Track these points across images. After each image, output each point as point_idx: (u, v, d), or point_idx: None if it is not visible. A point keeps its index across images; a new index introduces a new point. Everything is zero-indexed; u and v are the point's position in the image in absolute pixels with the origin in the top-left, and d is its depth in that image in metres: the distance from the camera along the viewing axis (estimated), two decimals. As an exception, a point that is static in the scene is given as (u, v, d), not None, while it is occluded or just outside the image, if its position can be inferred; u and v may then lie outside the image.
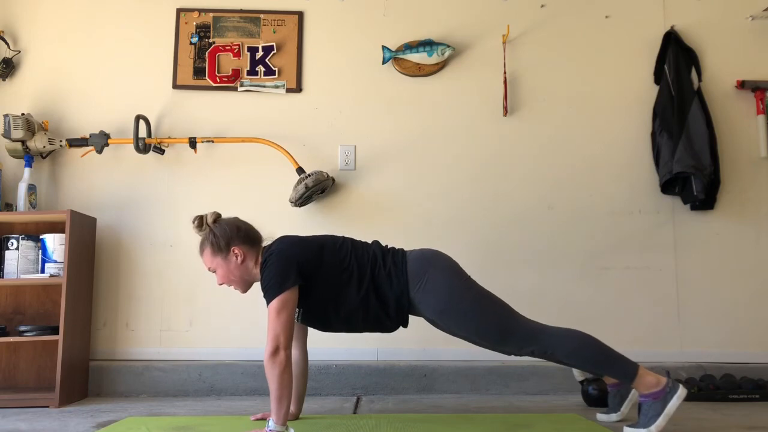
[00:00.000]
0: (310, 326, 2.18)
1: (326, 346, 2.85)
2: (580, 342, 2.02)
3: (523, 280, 3.00)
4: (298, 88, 3.13)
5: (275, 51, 3.13)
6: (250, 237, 2.10)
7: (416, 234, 3.02)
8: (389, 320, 2.07)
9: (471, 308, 2.01)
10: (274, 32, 3.16)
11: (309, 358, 2.36)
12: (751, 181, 3.07)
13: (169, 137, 3.05)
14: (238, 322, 2.96)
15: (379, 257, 2.07)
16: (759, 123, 3.07)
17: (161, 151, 3.03)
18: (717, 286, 3.01)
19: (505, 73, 3.09)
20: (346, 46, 3.16)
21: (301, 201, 2.91)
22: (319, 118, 3.11)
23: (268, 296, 1.94)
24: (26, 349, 2.86)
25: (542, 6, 3.18)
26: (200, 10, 3.17)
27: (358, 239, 2.17)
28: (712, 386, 2.62)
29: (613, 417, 2.22)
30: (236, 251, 2.06)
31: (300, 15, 3.17)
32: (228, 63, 3.13)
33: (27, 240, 2.77)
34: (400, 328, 2.11)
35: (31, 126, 2.95)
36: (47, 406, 2.56)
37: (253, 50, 3.14)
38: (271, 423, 1.88)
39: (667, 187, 3.00)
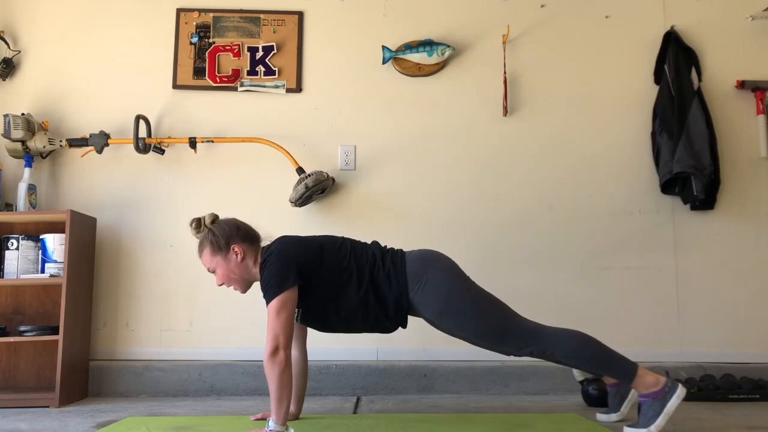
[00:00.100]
0: (310, 326, 2.19)
1: (326, 346, 2.85)
2: (579, 342, 2.02)
3: (523, 280, 3.00)
4: (298, 88, 3.13)
5: (275, 51, 3.13)
6: (249, 236, 2.10)
7: (416, 234, 3.02)
8: (388, 321, 2.07)
9: (470, 309, 2.01)
10: (274, 32, 3.16)
11: (309, 358, 2.37)
12: (751, 181, 3.07)
13: (169, 137, 3.05)
14: (238, 322, 2.96)
15: (378, 258, 2.07)
16: (759, 123, 3.07)
17: (161, 151, 3.03)
18: (717, 286, 3.01)
19: (505, 73, 3.09)
20: (346, 46, 3.16)
21: (301, 201, 2.91)
22: (319, 118, 3.11)
23: (268, 296, 1.94)
24: (26, 349, 2.86)
25: (542, 6, 3.18)
26: (200, 10, 3.17)
27: (357, 240, 2.17)
28: (712, 386, 2.62)
29: (613, 417, 2.22)
30: (236, 249, 2.06)
31: (300, 15, 3.17)
32: (228, 63, 3.14)
33: (27, 240, 2.77)
34: (399, 328, 2.11)
35: (31, 126, 2.95)
36: (47, 406, 2.56)
37: (253, 50, 3.14)
38: (271, 423, 1.88)
39: (667, 187, 3.00)
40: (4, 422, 2.25)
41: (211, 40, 3.15)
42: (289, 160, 2.97)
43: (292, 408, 2.20)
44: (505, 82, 3.08)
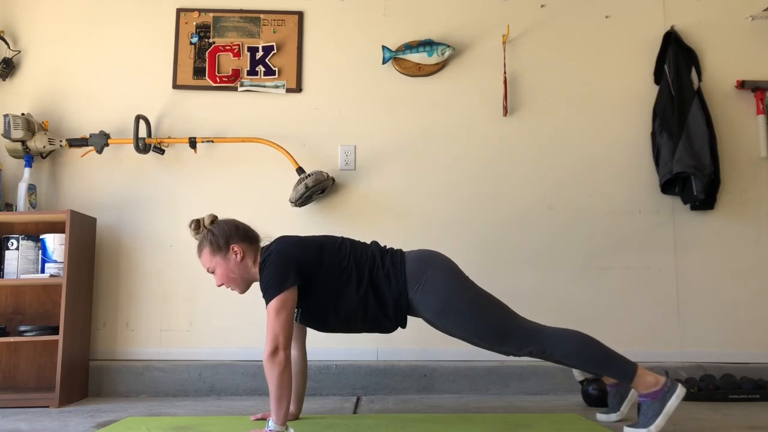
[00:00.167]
0: (309, 326, 2.19)
1: (326, 346, 2.85)
2: (578, 342, 2.02)
3: (523, 280, 3.00)
4: (298, 88, 3.13)
5: (275, 51, 3.13)
6: (249, 235, 2.10)
7: (416, 234, 3.02)
8: (388, 321, 2.07)
9: (469, 309, 2.01)
10: (274, 32, 3.16)
11: (309, 358, 2.37)
12: (751, 181, 3.07)
13: (169, 137, 3.05)
14: (238, 322, 2.96)
15: (377, 258, 2.07)
16: (759, 123, 3.07)
17: (161, 151, 3.03)
18: (717, 286, 3.01)
19: (505, 73, 3.09)
20: (346, 46, 3.16)
21: (301, 201, 2.91)
22: (319, 118, 3.11)
23: (268, 296, 1.94)
24: (26, 349, 2.86)
25: (542, 6, 3.18)
26: (200, 10, 3.17)
27: (357, 240, 2.17)
28: (712, 386, 2.62)
29: (613, 417, 2.22)
30: (235, 249, 2.06)
31: (300, 15, 3.17)
32: (228, 63, 3.14)
33: (27, 240, 2.77)
34: (399, 328, 2.11)
35: (31, 126, 2.95)
36: (47, 406, 2.56)
37: (253, 50, 3.14)
38: (271, 423, 1.88)
39: (667, 187, 3.00)
40: (4, 422, 2.25)
41: (211, 40, 3.15)
42: (289, 160, 2.97)
43: (292, 408, 2.20)
44: (505, 82, 3.08)
